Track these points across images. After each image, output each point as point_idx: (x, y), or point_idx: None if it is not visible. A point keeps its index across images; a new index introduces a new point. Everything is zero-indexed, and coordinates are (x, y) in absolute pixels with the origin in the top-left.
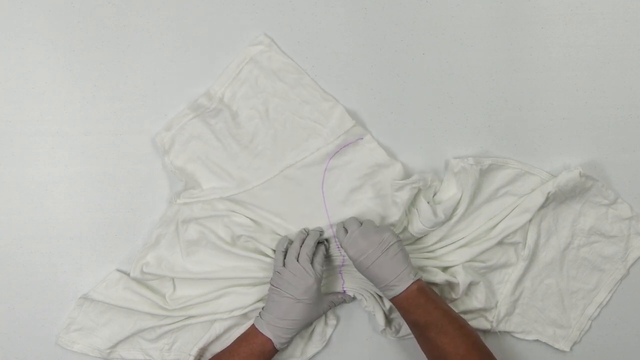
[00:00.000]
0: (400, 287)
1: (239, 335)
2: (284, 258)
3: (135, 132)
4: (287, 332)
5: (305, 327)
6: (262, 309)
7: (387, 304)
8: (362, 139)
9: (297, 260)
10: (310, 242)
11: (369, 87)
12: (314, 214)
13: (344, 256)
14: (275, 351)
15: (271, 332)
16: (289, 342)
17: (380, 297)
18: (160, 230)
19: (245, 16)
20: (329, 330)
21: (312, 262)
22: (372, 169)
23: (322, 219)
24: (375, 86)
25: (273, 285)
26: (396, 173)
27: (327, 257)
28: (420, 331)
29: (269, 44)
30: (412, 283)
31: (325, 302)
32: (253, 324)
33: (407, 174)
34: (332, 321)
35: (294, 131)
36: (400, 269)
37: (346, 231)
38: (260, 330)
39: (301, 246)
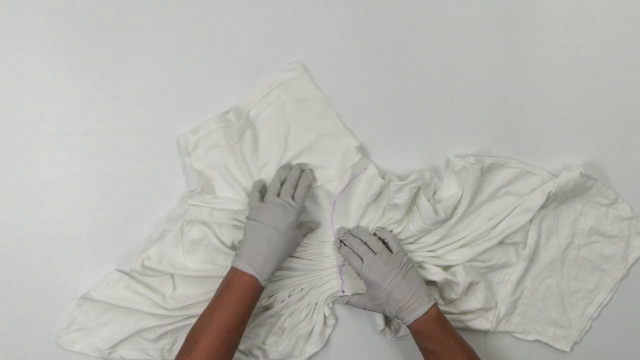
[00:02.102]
0: (420, 311)
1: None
2: (260, 195)
3: (135, 132)
4: (267, 264)
5: (283, 260)
6: (238, 248)
7: None
8: (366, 169)
9: (278, 196)
10: (292, 180)
11: (369, 87)
12: (323, 250)
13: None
14: (261, 289)
15: (253, 267)
16: (271, 278)
17: None
18: (166, 225)
19: (245, 16)
20: (328, 330)
21: (293, 197)
22: (374, 197)
23: (329, 247)
24: (375, 86)
25: (250, 218)
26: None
27: (326, 249)
28: (433, 358)
29: (301, 72)
30: (431, 307)
31: (300, 234)
32: (232, 268)
33: (405, 177)
34: (331, 321)
35: (309, 161)
36: (420, 292)
37: (362, 260)
38: (242, 269)
39: (282, 184)
